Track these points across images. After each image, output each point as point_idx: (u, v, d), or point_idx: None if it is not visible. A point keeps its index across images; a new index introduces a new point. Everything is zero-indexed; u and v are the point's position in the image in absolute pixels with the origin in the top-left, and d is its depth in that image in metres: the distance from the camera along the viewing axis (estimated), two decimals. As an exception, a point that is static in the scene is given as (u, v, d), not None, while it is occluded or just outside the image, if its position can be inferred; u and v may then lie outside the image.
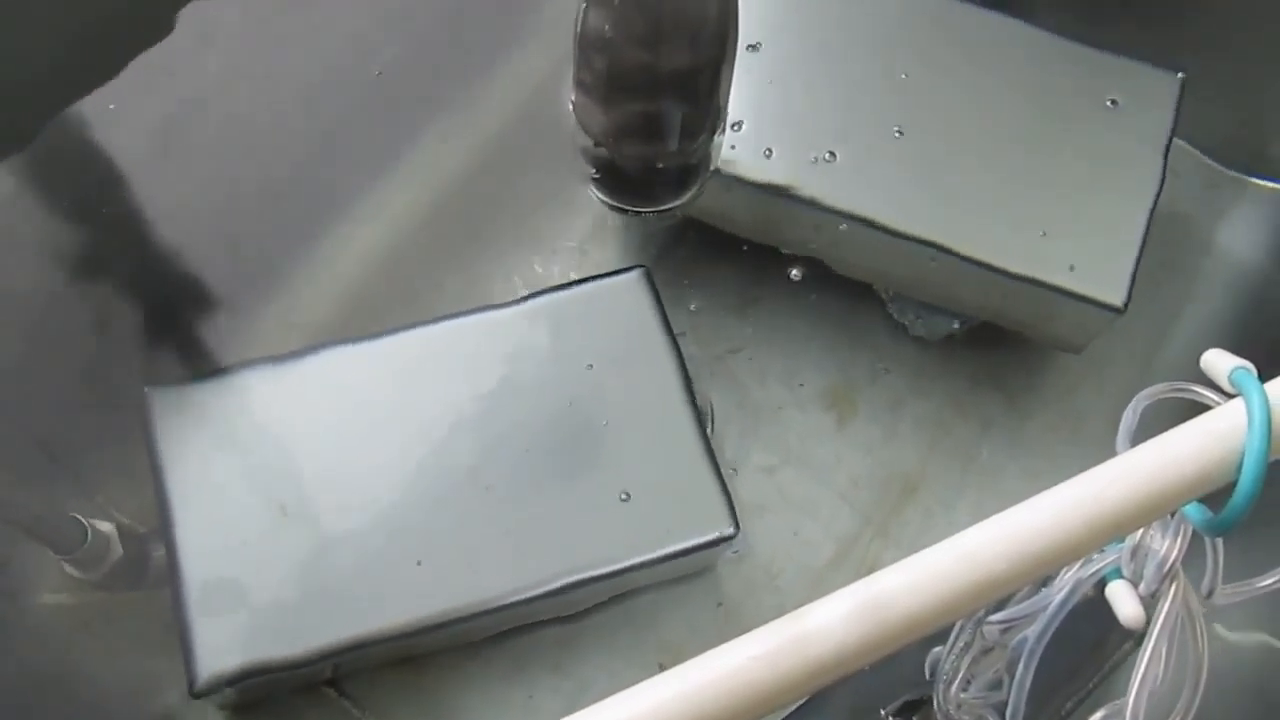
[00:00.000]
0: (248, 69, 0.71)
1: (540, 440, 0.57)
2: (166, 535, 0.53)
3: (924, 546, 0.32)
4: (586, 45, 0.49)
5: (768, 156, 0.60)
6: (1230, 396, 0.35)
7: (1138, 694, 0.38)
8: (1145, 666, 0.38)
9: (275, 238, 0.67)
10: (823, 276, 0.66)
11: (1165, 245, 0.70)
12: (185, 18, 0.69)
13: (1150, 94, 0.63)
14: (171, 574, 0.52)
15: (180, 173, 0.68)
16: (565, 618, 0.59)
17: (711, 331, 0.67)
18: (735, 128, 0.60)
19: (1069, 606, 0.41)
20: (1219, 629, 0.59)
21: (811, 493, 0.64)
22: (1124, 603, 0.38)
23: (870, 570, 0.51)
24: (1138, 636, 0.39)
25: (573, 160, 0.56)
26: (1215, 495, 0.34)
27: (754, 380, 0.66)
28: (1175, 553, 0.37)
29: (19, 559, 0.58)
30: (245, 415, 0.56)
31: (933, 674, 0.47)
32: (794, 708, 0.54)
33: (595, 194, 0.56)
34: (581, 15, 0.49)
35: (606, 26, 0.48)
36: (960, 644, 0.45)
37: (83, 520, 0.55)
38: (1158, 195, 0.61)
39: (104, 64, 0.67)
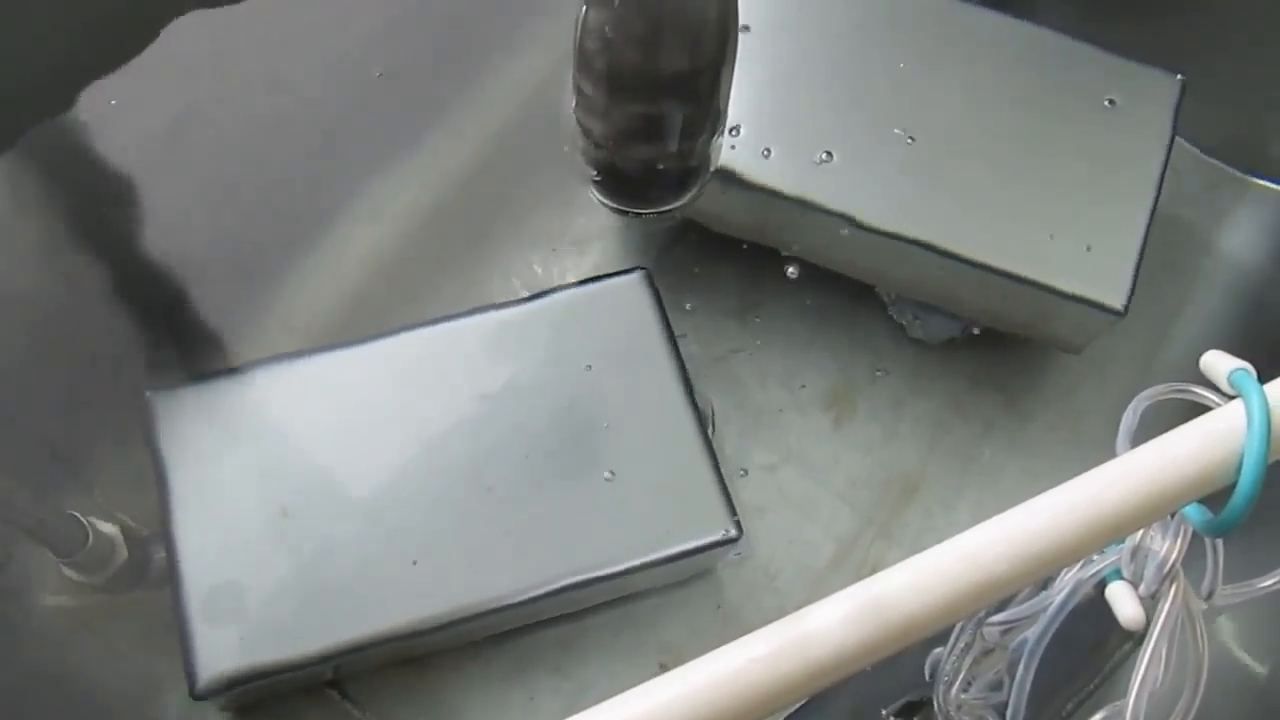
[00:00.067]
0: (249, 70, 0.71)
1: (540, 441, 0.57)
2: (167, 537, 0.53)
3: (924, 547, 0.32)
4: (587, 47, 0.49)
5: (767, 158, 0.60)
6: (1230, 398, 0.35)
7: (1138, 695, 0.38)
8: (1145, 667, 0.38)
9: (275, 239, 0.67)
10: (822, 277, 0.66)
11: (1166, 246, 0.70)
12: (186, 19, 0.69)
13: (1150, 95, 0.63)
14: (172, 575, 0.52)
15: (181, 174, 0.68)
16: (565, 619, 0.59)
17: (712, 332, 0.67)
18: (734, 132, 0.60)
19: (1069, 608, 0.41)
20: (1221, 629, 0.59)
21: (812, 494, 0.64)
22: (1124, 604, 0.38)
23: (871, 571, 0.51)
24: (1138, 637, 0.39)
25: (573, 162, 0.56)
26: (1215, 496, 0.34)
27: (754, 381, 0.66)
28: (1175, 554, 0.37)
29: (21, 560, 0.58)
30: (246, 417, 0.56)
31: (933, 675, 0.47)
32: (794, 709, 0.54)
33: (596, 196, 0.56)
34: (582, 18, 0.49)
35: (607, 28, 0.48)
36: (961, 645, 0.45)
37: (84, 522, 0.55)
38: (1158, 196, 0.61)
39: (104, 65, 0.68)
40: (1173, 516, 0.38)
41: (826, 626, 0.31)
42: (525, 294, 0.61)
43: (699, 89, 0.51)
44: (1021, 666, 0.42)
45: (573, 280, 0.62)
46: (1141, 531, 0.38)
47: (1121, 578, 0.39)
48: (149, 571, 0.57)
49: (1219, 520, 0.35)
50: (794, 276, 0.66)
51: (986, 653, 0.45)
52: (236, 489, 0.55)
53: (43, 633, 0.57)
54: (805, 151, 0.61)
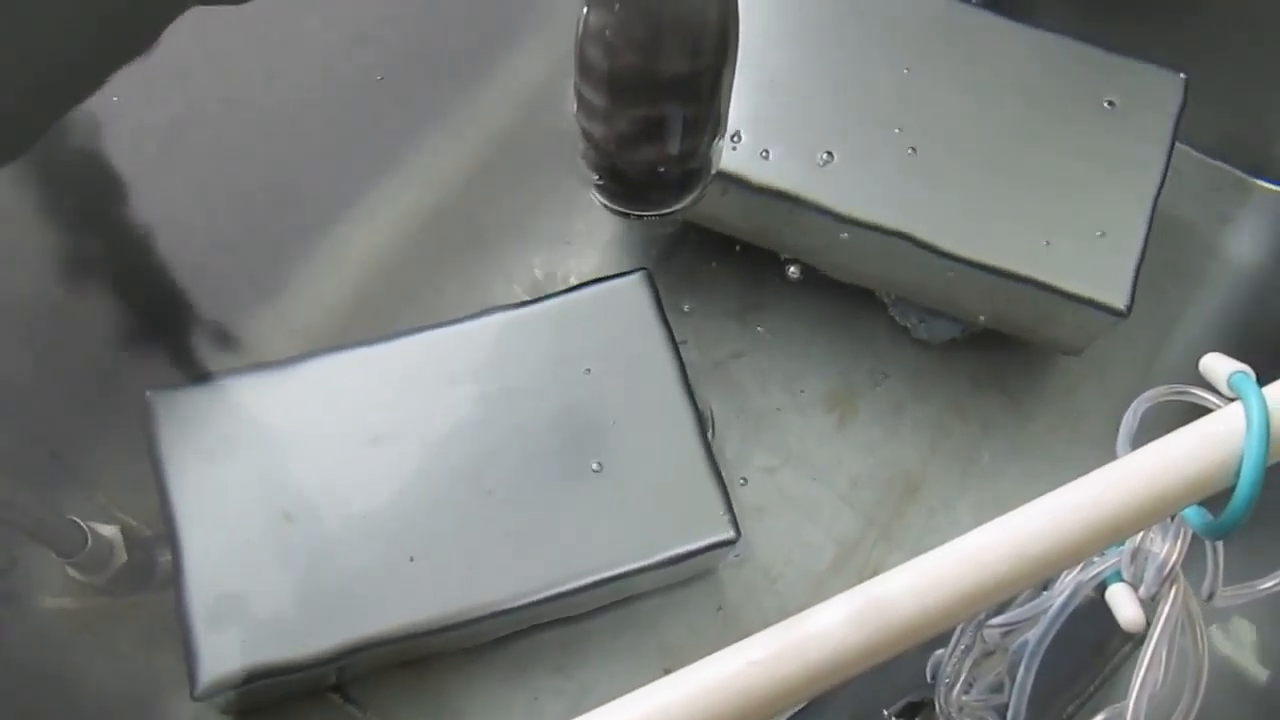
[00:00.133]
0: (249, 73, 0.71)
1: (541, 443, 0.57)
2: (170, 539, 0.53)
3: (926, 548, 0.32)
4: (587, 51, 0.49)
5: (768, 159, 0.60)
6: (1230, 400, 0.35)
7: (1138, 697, 0.38)
8: (1145, 670, 0.38)
9: (276, 242, 0.67)
10: (823, 279, 0.66)
11: (1167, 247, 0.70)
12: (186, 22, 0.70)
13: (1152, 95, 0.63)
14: (175, 578, 0.52)
15: (182, 176, 0.68)
16: (567, 621, 0.59)
17: (712, 335, 0.67)
18: (735, 139, 0.60)
19: (1069, 610, 0.41)
20: (1221, 631, 0.59)
21: (812, 495, 0.64)
22: (1124, 606, 0.38)
23: (872, 572, 0.51)
24: (1138, 639, 0.39)
25: (574, 165, 0.56)
26: (1215, 498, 0.34)
27: (755, 383, 0.66)
28: (1175, 556, 0.37)
29: (23, 561, 0.58)
30: (247, 419, 0.56)
31: (934, 677, 0.48)
32: (795, 711, 0.54)
33: (597, 199, 0.56)
34: (582, 21, 0.49)
35: (607, 32, 0.48)
36: (961, 647, 0.45)
37: (83, 524, 0.55)
38: (1159, 196, 0.61)
39: (105, 67, 0.68)
40: (1173, 519, 0.38)
41: (827, 629, 0.31)
42: (526, 296, 0.61)
43: (700, 91, 0.51)
44: (1022, 668, 0.42)
45: (573, 282, 0.63)
46: (1141, 533, 0.39)
47: (1122, 580, 0.39)
48: (150, 574, 0.58)
49: (1218, 523, 0.35)
50: (795, 278, 0.66)
51: (987, 654, 0.45)
52: (238, 491, 0.55)
53: (44, 634, 0.57)
54: (806, 153, 0.61)
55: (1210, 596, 0.39)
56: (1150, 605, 0.38)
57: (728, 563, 0.61)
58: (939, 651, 0.47)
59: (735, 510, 0.56)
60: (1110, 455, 0.38)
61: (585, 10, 0.49)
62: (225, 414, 0.56)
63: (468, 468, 0.56)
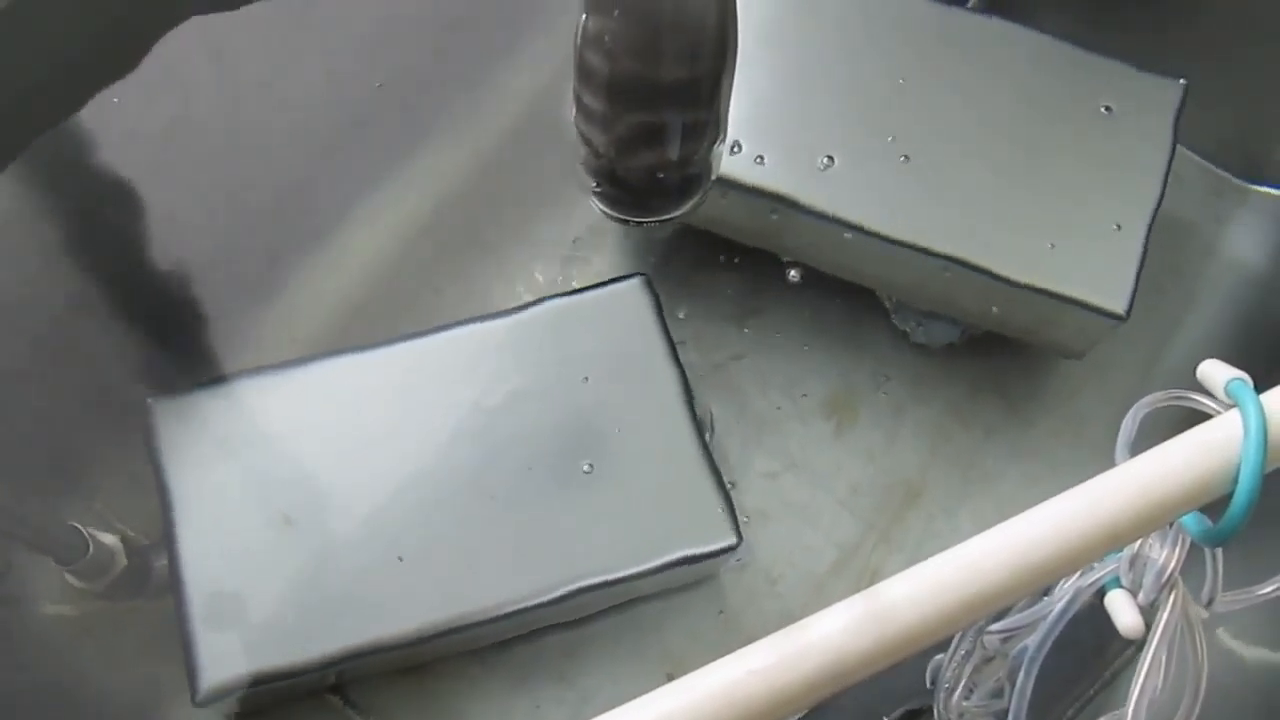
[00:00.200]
0: (249, 79, 0.71)
1: (542, 448, 0.57)
2: (169, 544, 0.53)
3: (926, 553, 0.32)
4: (586, 57, 0.49)
5: (769, 164, 0.60)
6: (1229, 406, 0.35)
7: (1137, 703, 0.38)
8: (1144, 676, 0.38)
9: (276, 247, 0.67)
10: (823, 283, 0.66)
11: (1167, 251, 0.70)
12: (187, 28, 0.70)
13: (1151, 100, 0.63)
14: (174, 582, 0.53)
15: (182, 181, 0.68)
16: (568, 625, 0.59)
17: (712, 339, 0.67)
18: (735, 148, 0.60)
19: (1069, 616, 0.41)
20: (1221, 636, 0.59)
21: (813, 500, 0.64)
22: (1123, 613, 0.38)
23: (872, 577, 0.51)
24: (1138, 643, 0.39)
25: (573, 172, 0.56)
26: (1215, 503, 0.34)
27: (755, 388, 0.66)
28: (1174, 562, 0.37)
29: (22, 568, 0.58)
30: (248, 424, 0.56)
31: (934, 682, 0.48)
32: (796, 718, 0.54)
33: (597, 205, 0.56)
34: (581, 27, 0.49)
35: (606, 38, 0.48)
36: (961, 652, 0.45)
37: (83, 531, 0.55)
38: (1159, 201, 0.61)
39: (104, 75, 0.68)
40: (1171, 525, 0.38)
41: (827, 638, 0.31)
42: (526, 300, 0.61)
43: (699, 97, 0.51)
44: (1022, 674, 0.42)
45: (573, 286, 0.63)
46: (1140, 540, 0.39)
47: (1120, 586, 0.39)
48: (150, 579, 0.58)
49: (1216, 530, 0.35)
50: (795, 281, 0.66)
51: (987, 660, 0.45)
52: (238, 496, 0.55)
53: (44, 640, 0.57)
54: (805, 157, 0.61)
55: (1209, 602, 0.39)
56: (1149, 611, 0.38)
57: (729, 567, 0.61)
58: (939, 657, 0.47)
59: (736, 514, 0.56)
60: (1111, 459, 0.38)
61: (584, 16, 0.49)
62: (225, 418, 0.56)
63: (468, 472, 0.56)
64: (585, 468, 0.56)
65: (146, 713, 0.57)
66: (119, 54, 0.68)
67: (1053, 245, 0.60)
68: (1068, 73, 0.63)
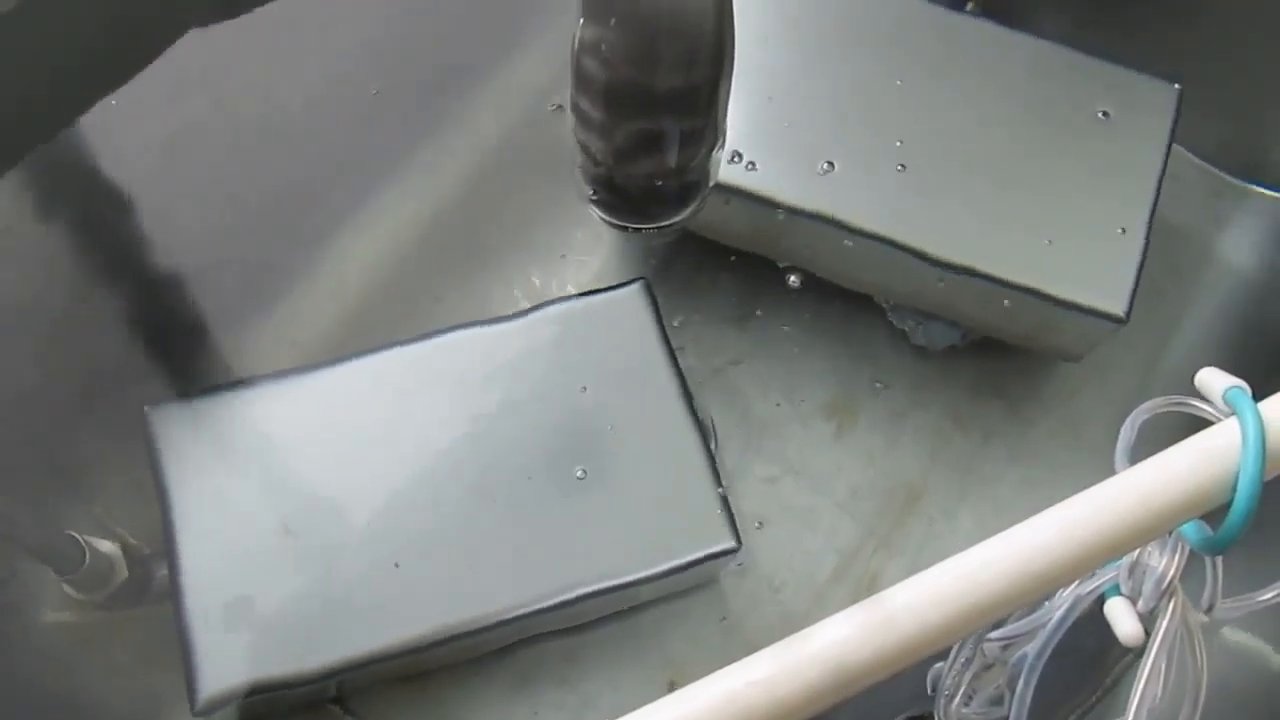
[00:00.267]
0: (247, 86, 0.71)
1: (542, 453, 0.57)
2: (169, 552, 0.53)
3: (926, 556, 0.33)
4: (583, 64, 0.49)
5: (767, 170, 0.60)
6: (1228, 414, 0.35)
7: (1136, 711, 0.38)
8: (1144, 683, 0.38)
9: (275, 253, 0.67)
10: (822, 287, 0.66)
11: (1166, 254, 0.70)
12: (186, 34, 0.70)
13: (1148, 103, 0.63)
14: (174, 591, 0.52)
15: (180, 189, 0.68)
16: (568, 631, 0.59)
17: (711, 342, 0.67)
18: (735, 157, 0.60)
19: (1068, 623, 0.41)
20: (1221, 642, 0.59)
21: (813, 504, 0.64)
22: (1122, 621, 0.38)
23: (872, 581, 0.52)
24: (1138, 650, 0.39)
25: (571, 179, 0.56)
26: (1214, 510, 0.34)
27: (755, 392, 0.66)
28: (1173, 570, 0.37)
29: (21, 576, 0.58)
30: (247, 431, 0.56)
31: (934, 689, 0.48)
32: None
33: (595, 213, 0.56)
34: (578, 34, 0.49)
35: (603, 45, 0.48)
36: (961, 660, 0.45)
37: (80, 541, 0.55)
38: (1156, 203, 0.61)
39: (106, 85, 0.68)
40: (1170, 533, 0.38)
41: (828, 648, 0.31)
42: (525, 306, 0.61)
43: (697, 103, 0.51)
44: (1022, 681, 0.42)
45: (572, 291, 0.63)
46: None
47: (1120, 594, 0.39)
48: (149, 589, 0.58)
49: (1215, 539, 0.35)
50: (795, 286, 0.67)
51: (987, 667, 0.45)
52: (237, 504, 0.55)
53: (44, 649, 0.57)
54: (804, 163, 0.61)
55: (1209, 609, 0.40)
56: (1149, 619, 0.38)
57: (729, 572, 0.61)
58: (939, 664, 0.47)
59: (736, 519, 0.56)
60: (1110, 461, 0.38)
61: (581, 23, 0.49)
62: (224, 426, 0.56)
63: (468, 477, 0.56)
64: (585, 473, 0.56)
65: (146, 722, 0.57)
66: (122, 61, 0.68)
67: (1052, 249, 0.60)
68: (1065, 77, 0.63)
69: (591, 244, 0.69)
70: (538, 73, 0.73)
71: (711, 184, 0.57)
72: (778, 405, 0.66)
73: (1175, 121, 0.62)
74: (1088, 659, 0.46)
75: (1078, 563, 0.32)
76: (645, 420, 0.58)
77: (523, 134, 0.71)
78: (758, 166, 0.60)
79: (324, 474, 0.56)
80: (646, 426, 0.58)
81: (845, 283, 0.65)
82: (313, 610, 0.53)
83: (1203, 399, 0.37)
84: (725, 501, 0.56)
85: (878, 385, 0.67)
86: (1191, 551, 0.38)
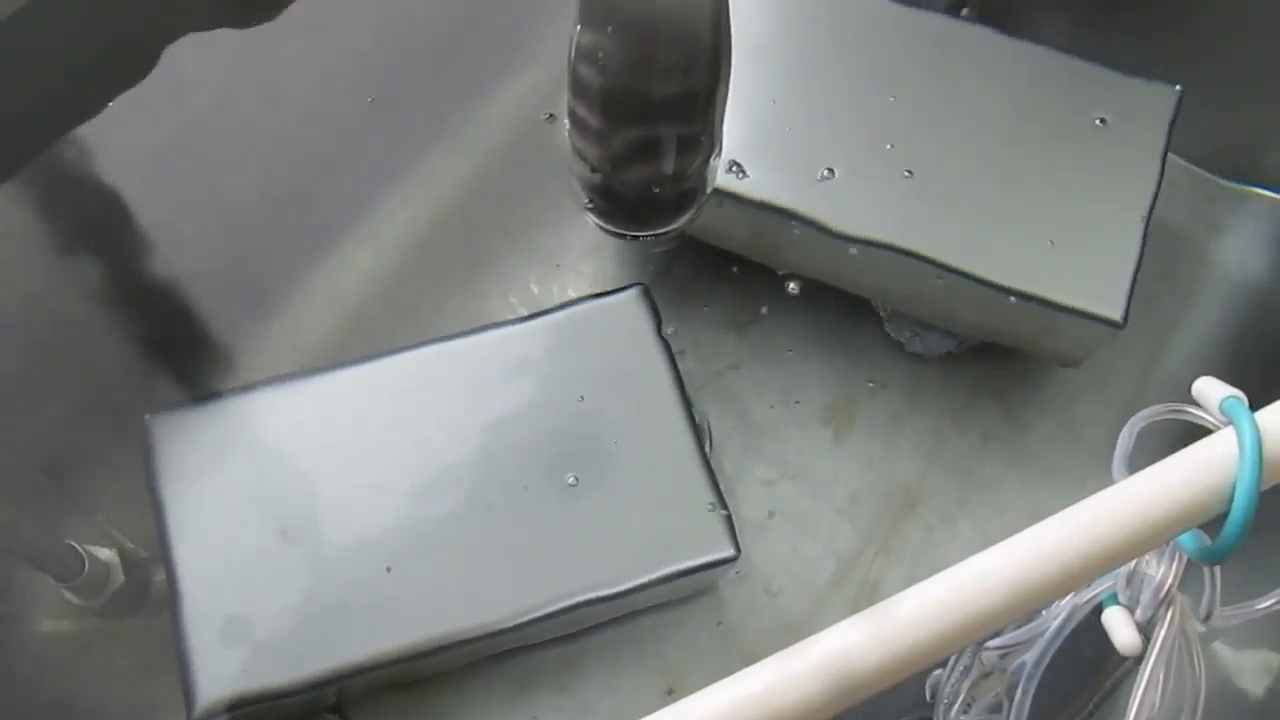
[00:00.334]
0: (246, 94, 0.71)
1: (540, 460, 0.57)
2: (166, 560, 0.53)
3: (925, 561, 0.33)
4: (580, 72, 0.49)
5: (767, 177, 0.60)
6: (1225, 423, 0.35)
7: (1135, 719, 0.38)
8: (1142, 692, 0.38)
9: (274, 260, 0.67)
10: (819, 293, 0.66)
11: (1163, 257, 0.70)
12: (184, 43, 0.70)
13: (1146, 107, 0.63)
14: (171, 599, 0.52)
15: (180, 196, 0.68)
16: (567, 638, 0.59)
17: (710, 349, 0.67)
18: (734, 166, 0.60)
19: (1066, 632, 0.41)
20: (1219, 650, 0.59)
21: (811, 509, 0.64)
22: (1120, 630, 0.38)
23: (872, 587, 0.51)
24: (1136, 658, 0.39)
25: (569, 187, 0.56)
26: (1212, 519, 0.34)
27: (753, 397, 0.66)
28: (1171, 579, 0.37)
29: (19, 584, 0.58)
30: (245, 439, 0.56)
31: (933, 697, 0.48)
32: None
33: (592, 220, 0.56)
34: (575, 42, 0.49)
35: (600, 53, 0.48)
36: (960, 668, 0.45)
37: (79, 548, 0.55)
38: (1153, 207, 0.61)
39: (104, 94, 0.68)
40: (1168, 542, 0.38)
41: (828, 658, 0.32)
42: (523, 312, 0.61)
43: (694, 111, 0.51)
44: (1020, 689, 0.42)
45: (571, 298, 0.63)
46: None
47: (1118, 603, 0.39)
48: (147, 596, 0.58)
49: (1213, 549, 0.35)
50: (794, 292, 0.66)
51: (985, 675, 0.45)
52: (236, 511, 0.55)
53: (42, 656, 0.57)
54: (806, 169, 0.61)
55: (1207, 617, 0.39)
56: (1147, 627, 0.38)
57: (728, 578, 0.61)
58: (938, 672, 0.47)
59: (735, 526, 0.56)
60: (1108, 465, 0.38)
61: (578, 30, 0.49)
62: (222, 433, 0.56)
63: (467, 485, 0.56)
64: (584, 479, 0.56)
65: (143, 730, 0.57)
66: (125, 66, 0.68)
67: (1049, 254, 0.60)
68: (1062, 82, 0.63)
69: (589, 251, 0.68)
70: (536, 80, 0.73)
71: (709, 191, 0.57)
72: (776, 410, 0.66)
73: (1172, 125, 0.62)
74: (1086, 667, 0.46)
75: (1077, 573, 0.33)
76: (644, 426, 0.58)
77: (521, 142, 0.71)
78: (757, 173, 0.60)
79: (322, 481, 0.56)
80: (645, 432, 0.58)
81: (844, 286, 0.65)
82: (311, 618, 0.53)
83: (1201, 407, 0.37)
84: (723, 508, 0.56)
85: (875, 389, 0.67)
86: (1189, 560, 0.38)
